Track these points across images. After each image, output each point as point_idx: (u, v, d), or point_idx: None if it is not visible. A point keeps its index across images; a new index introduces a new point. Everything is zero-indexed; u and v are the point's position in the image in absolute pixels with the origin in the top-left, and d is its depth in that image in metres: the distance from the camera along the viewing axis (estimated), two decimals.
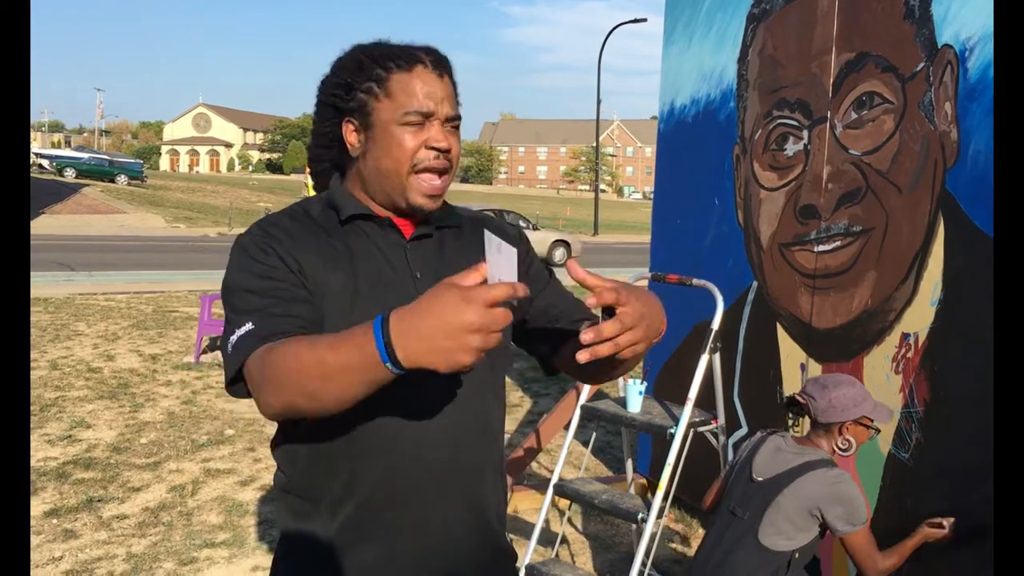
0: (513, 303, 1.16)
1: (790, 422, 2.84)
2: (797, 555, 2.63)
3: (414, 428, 1.48)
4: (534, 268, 1.72)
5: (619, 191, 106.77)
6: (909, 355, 3.26)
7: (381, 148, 1.51)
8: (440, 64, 1.54)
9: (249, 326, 1.39)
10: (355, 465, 1.48)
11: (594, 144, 50.51)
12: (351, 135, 1.54)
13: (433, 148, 1.50)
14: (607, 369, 1.53)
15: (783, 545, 2.61)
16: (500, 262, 1.18)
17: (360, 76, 1.51)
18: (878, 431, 2.75)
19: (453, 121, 1.53)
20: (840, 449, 2.69)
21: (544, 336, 1.67)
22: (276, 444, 1.58)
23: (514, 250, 1.21)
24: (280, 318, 1.40)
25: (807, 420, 2.79)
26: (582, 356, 1.23)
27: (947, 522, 2.77)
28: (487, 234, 1.19)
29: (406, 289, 1.49)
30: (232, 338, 1.41)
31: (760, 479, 2.69)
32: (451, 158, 1.53)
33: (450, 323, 1.11)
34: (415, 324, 1.14)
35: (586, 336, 1.22)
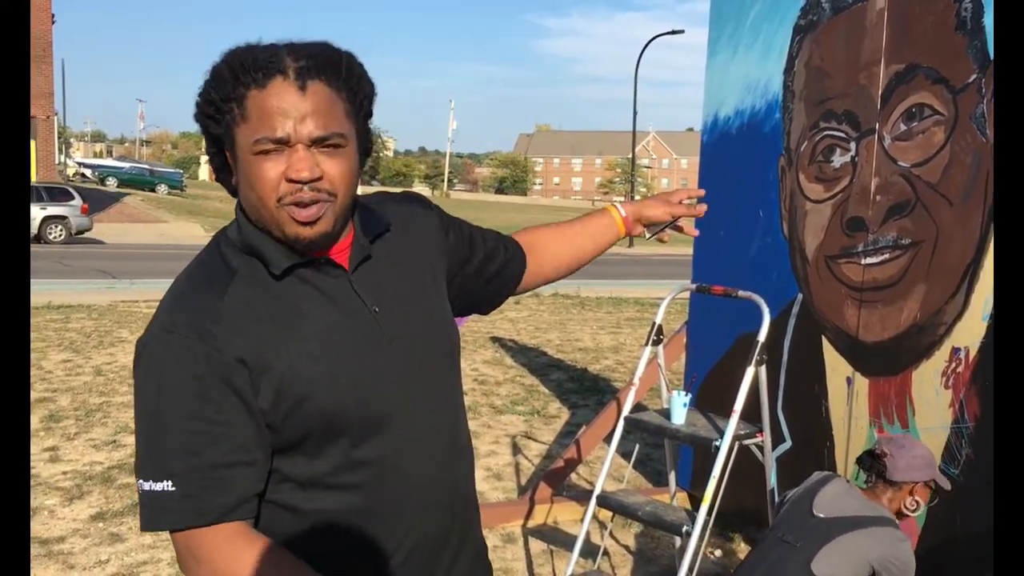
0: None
1: (863, 476, 2.85)
2: None
3: (418, 488, 1.41)
4: (455, 233, 1.63)
5: None
6: (960, 370, 3.21)
7: (243, 179, 1.30)
8: (306, 72, 1.26)
9: (168, 486, 1.22)
10: (371, 531, 1.38)
11: (629, 155, 50.41)
12: (230, 158, 1.33)
13: (292, 180, 1.26)
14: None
15: None
16: None
17: (222, 93, 1.27)
18: (937, 496, 2.77)
19: (324, 142, 1.27)
20: (908, 509, 2.74)
21: (487, 290, 1.70)
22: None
23: None
24: (209, 473, 1.23)
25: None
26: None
27: None
28: None
29: (368, 329, 1.37)
30: (144, 486, 1.24)
31: (822, 515, 2.70)
32: (325, 186, 1.28)
33: None
34: None
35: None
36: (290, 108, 1.25)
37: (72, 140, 78.49)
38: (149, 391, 1.26)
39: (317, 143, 1.27)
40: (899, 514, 2.73)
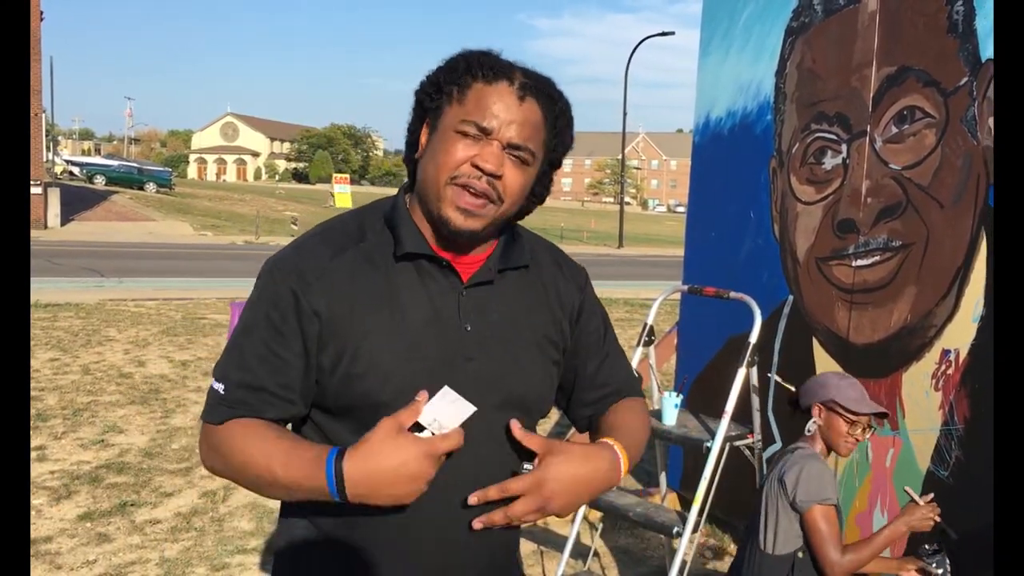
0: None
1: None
2: (801, 554, 2.65)
3: (435, 525, 1.41)
4: (585, 320, 1.61)
5: (644, 204, 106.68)
6: (949, 372, 3.22)
7: (431, 151, 1.40)
8: (527, 89, 1.39)
9: (220, 388, 1.40)
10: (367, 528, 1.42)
11: (619, 156, 50.48)
12: (424, 136, 1.44)
13: (477, 167, 1.36)
14: None
15: (780, 546, 2.63)
16: (445, 410, 1.30)
17: (449, 78, 1.40)
18: (871, 427, 2.71)
19: (517, 151, 1.38)
20: (809, 432, 2.71)
21: (583, 402, 1.64)
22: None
23: (471, 409, 1.31)
24: (254, 392, 1.38)
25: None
26: (476, 524, 1.36)
27: (925, 506, 2.71)
28: (445, 389, 1.31)
29: (451, 340, 1.41)
30: (213, 384, 1.42)
31: (759, 487, 2.76)
32: (499, 187, 1.38)
33: (399, 473, 1.24)
34: (366, 471, 1.25)
35: (472, 498, 1.35)
36: (504, 108, 1.37)
37: (60, 138, 78.10)
38: (246, 308, 1.44)
39: (511, 148, 1.38)
40: (828, 448, 2.71)
